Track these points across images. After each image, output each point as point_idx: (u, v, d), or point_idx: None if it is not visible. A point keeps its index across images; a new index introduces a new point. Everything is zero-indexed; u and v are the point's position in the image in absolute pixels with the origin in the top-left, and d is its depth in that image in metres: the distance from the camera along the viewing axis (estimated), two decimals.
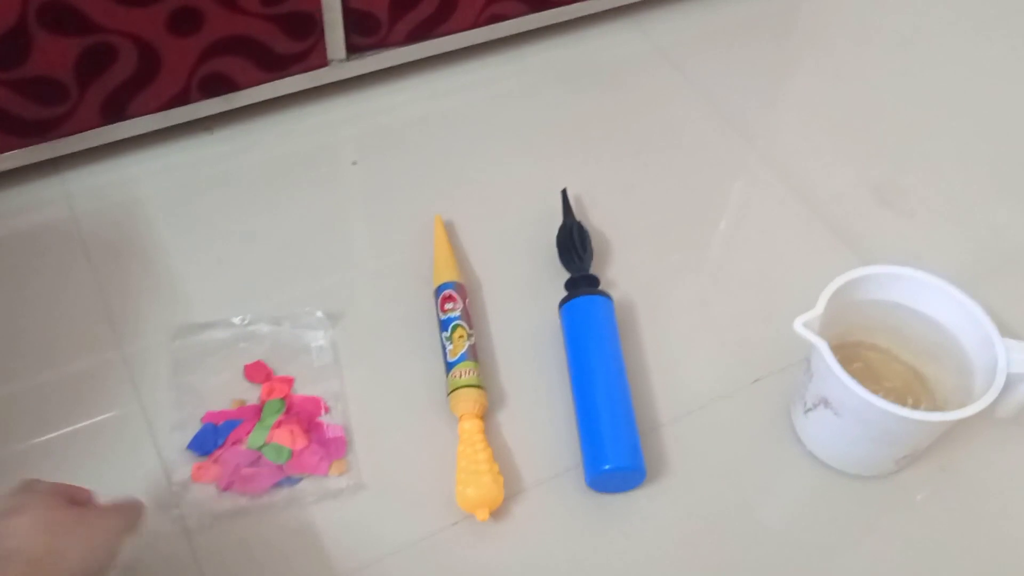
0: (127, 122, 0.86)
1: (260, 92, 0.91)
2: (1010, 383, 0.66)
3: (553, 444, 0.73)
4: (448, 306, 0.77)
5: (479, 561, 0.67)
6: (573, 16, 1.04)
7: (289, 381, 0.74)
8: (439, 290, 0.79)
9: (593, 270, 0.81)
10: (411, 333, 0.79)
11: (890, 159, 0.97)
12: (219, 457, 0.70)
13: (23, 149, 0.84)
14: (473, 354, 0.75)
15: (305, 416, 0.72)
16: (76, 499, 0.57)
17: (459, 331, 0.75)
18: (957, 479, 0.74)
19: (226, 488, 0.68)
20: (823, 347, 0.65)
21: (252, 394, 0.74)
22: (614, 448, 0.69)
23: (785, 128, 1.00)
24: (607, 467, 0.68)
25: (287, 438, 0.71)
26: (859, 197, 0.93)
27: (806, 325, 0.66)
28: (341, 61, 0.93)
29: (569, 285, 0.80)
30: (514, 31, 1.01)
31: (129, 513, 0.59)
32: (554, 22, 1.03)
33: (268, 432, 0.71)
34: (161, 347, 0.77)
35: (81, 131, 0.85)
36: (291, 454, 0.70)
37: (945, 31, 1.12)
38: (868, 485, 0.73)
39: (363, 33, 0.92)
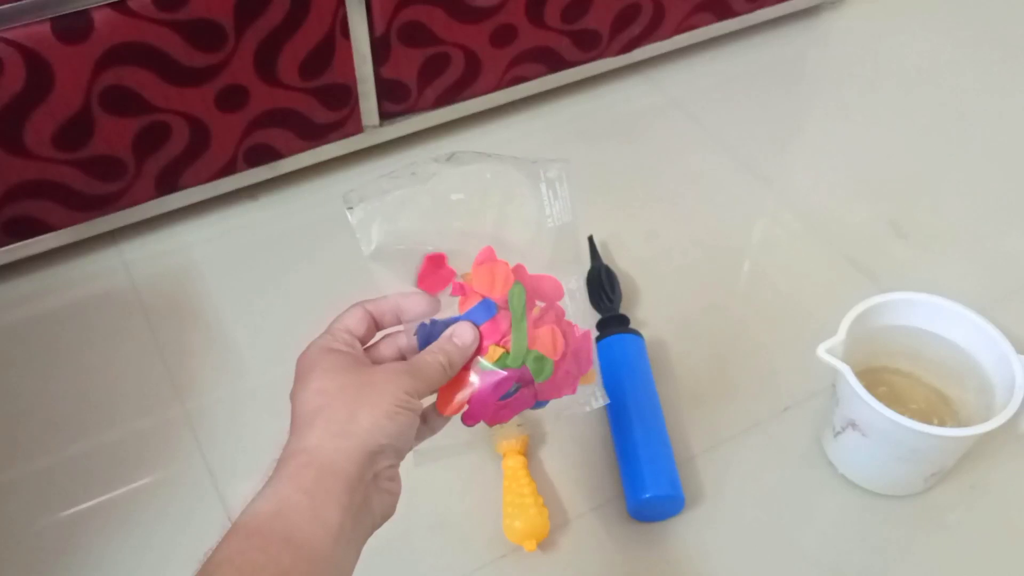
0: (179, 193, 0.93)
1: (301, 160, 0.97)
2: None
3: (593, 477, 0.77)
4: None
5: None
6: (589, 75, 1.10)
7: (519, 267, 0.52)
8: None
9: (622, 310, 0.86)
10: None
11: (903, 193, 1.01)
12: (470, 387, 0.51)
13: (85, 223, 0.90)
14: None
15: (558, 311, 0.52)
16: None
17: None
18: (987, 496, 0.76)
19: (471, 423, 0.52)
20: (846, 371, 0.69)
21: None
22: (653, 477, 0.72)
23: (800, 169, 1.05)
24: (647, 495, 0.71)
25: (550, 344, 0.51)
26: (875, 230, 0.97)
27: (829, 351, 0.70)
28: (375, 127, 0.99)
29: (601, 325, 0.84)
30: (535, 91, 1.07)
31: (424, 372, 0.49)
32: (572, 81, 1.09)
33: (528, 334, 0.50)
34: (220, 402, 0.81)
35: (137, 203, 0.91)
36: (554, 368, 0.51)
37: (950, 70, 1.17)
38: (900, 505, 0.75)
39: (394, 100, 0.98)
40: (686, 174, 1.03)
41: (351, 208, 0.51)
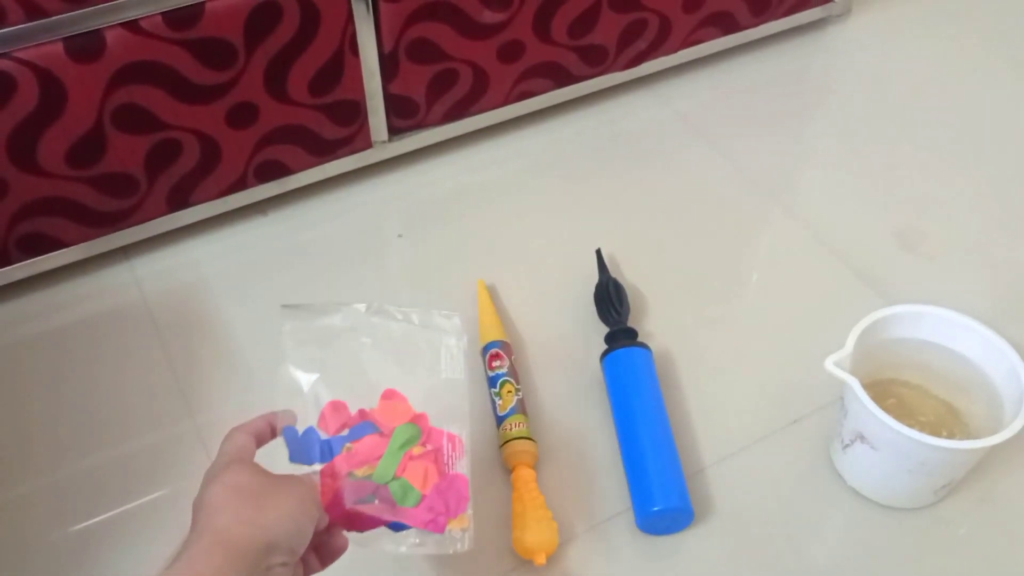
0: (190, 209, 0.93)
1: (310, 175, 0.98)
2: None
3: (602, 490, 0.77)
4: (496, 363, 0.82)
5: None
6: (595, 89, 1.10)
7: (423, 416, 0.62)
8: (486, 349, 0.83)
9: (630, 323, 0.86)
10: None
11: (910, 205, 1.01)
12: (335, 486, 0.58)
13: (97, 239, 0.91)
14: (522, 407, 0.79)
15: (439, 455, 0.61)
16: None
17: (507, 386, 0.80)
18: (997, 510, 0.76)
19: (332, 522, 0.58)
20: (854, 383, 0.69)
21: (368, 397, 0.63)
22: (662, 490, 0.72)
23: (807, 181, 1.05)
24: (656, 508, 0.71)
25: (420, 478, 0.59)
26: (882, 242, 0.97)
27: (837, 364, 0.70)
28: (384, 142, 1.00)
29: (609, 338, 0.84)
30: (542, 106, 1.08)
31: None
32: (578, 95, 1.10)
33: (400, 463, 0.59)
34: (230, 416, 0.82)
35: (149, 220, 0.92)
36: (419, 499, 0.59)
37: (956, 81, 1.17)
38: (910, 518, 0.75)
39: (403, 116, 0.99)
40: (693, 187, 1.03)
41: (287, 307, 0.62)
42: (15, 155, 0.80)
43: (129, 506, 0.76)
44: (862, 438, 0.72)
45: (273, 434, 0.60)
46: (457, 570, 0.72)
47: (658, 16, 1.05)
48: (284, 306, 0.63)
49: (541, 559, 0.70)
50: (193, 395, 0.84)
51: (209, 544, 0.50)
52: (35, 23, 0.74)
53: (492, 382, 0.81)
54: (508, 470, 0.76)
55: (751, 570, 0.72)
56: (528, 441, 0.76)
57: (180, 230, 0.96)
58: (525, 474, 0.75)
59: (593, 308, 0.88)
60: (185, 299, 0.92)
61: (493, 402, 0.80)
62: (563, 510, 0.75)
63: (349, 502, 0.58)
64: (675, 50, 1.11)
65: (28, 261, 0.89)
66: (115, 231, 0.91)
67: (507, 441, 0.76)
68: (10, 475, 0.79)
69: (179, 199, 0.92)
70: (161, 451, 0.80)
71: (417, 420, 0.62)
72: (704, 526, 0.74)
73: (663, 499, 0.72)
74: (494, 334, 0.84)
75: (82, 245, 0.90)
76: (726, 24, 1.13)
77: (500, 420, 0.78)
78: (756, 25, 1.16)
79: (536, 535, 0.70)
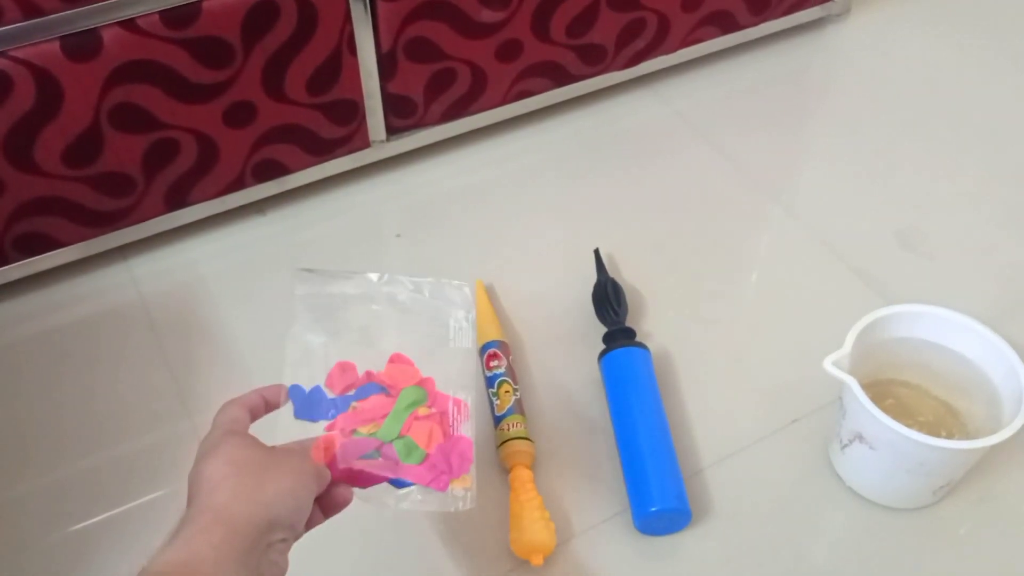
0: (188, 209, 0.93)
1: (308, 175, 0.98)
2: None
3: (600, 491, 0.76)
4: (493, 363, 0.82)
5: None
6: (594, 88, 1.10)
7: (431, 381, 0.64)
8: (484, 349, 0.83)
9: (629, 323, 0.86)
10: None
11: (909, 204, 1.01)
12: (337, 443, 0.59)
13: (94, 239, 0.90)
14: (520, 407, 0.79)
15: (444, 418, 0.62)
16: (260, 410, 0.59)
17: (505, 386, 0.80)
18: (996, 510, 0.76)
19: (335, 479, 0.58)
20: (852, 383, 0.69)
21: (376, 361, 0.64)
22: (660, 491, 0.72)
23: (806, 180, 1.05)
24: (654, 509, 0.71)
25: (424, 437, 0.61)
26: (882, 242, 0.97)
27: (835, 363, 0.70)
28: (382, 142, 1.00)
29: (607, 338, 0.84)
30: (541, 105, 1.08)
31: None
32: (577, 95, 1.10)
33: (405, 423, 0.61)
34: None
35: (146, 219, 0.92)
36: (423, 457, 0.60)
37: (956, 80, 1.17)
38: (909, 518, 0.75)
39: (401, 115, 0.99)
40: (692, 186, 1.03)
41: (302, 270, 0.64)
42: (11, 154, 0.80)
43: (127, 506, 0.76)
44: (861, 438, 0.72)
45: (266, 408, 0.60)
46: (455, 569, 0.72)
47: (657, 15, 1.05)
48: (298, 269, 0.64)
49: (538, 560, 0.70)
50: (191, 395, 0.84)
51: (208, 522, 0.49)
52: (32, 22, 0.74)
53: (490, 382, 0.81)
54: (506, 470, 0.76)
55: (749, 571, 0.72)
56: (526, 441, 0.76)
57: (178, 230, 0.96)
58: (523, 474, 0.74)
59: (591, 308, 0.88)
60: (183, 299, 0.92)
61: (491, 402, 0.80)
62: (561, 510, 0.75)
63: (352, 458, 0.58)
64: (674, 49, 1.11)
65: (25, 261, 0.89)
66: (112, 231, 0.91)
67: (505, 441, 0.76)
68: (8, 475, 0.78)
69: (177, 199, 0.92)
70: (159, 451, 0.80)
71: (423, 384, 0.63)
72: (702, 527, 0.74)
73: (661, 500, 0.71)
74: (492, 334, 0.84)
75: (79, 245, 0.90)
76: (725, 23, 1.12)
77: (498, 420, 0.78)
78: (755, 24, 1.15)
79: (533, 535, 0.70)
